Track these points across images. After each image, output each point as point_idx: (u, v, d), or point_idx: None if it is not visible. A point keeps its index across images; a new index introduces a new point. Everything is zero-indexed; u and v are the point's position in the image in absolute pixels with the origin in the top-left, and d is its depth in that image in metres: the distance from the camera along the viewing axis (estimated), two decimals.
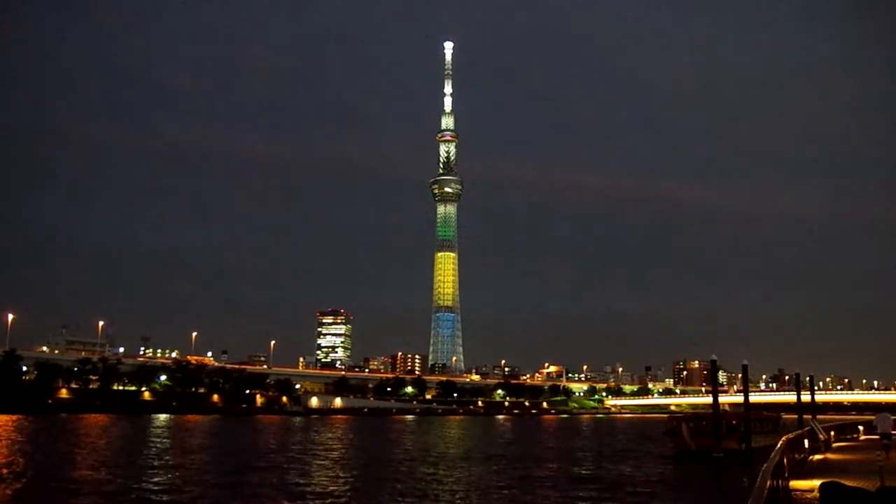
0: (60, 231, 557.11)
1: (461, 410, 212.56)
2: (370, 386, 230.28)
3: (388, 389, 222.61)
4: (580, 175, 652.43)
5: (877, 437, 36.51)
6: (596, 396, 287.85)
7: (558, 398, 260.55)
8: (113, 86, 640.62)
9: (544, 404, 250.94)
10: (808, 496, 20.58)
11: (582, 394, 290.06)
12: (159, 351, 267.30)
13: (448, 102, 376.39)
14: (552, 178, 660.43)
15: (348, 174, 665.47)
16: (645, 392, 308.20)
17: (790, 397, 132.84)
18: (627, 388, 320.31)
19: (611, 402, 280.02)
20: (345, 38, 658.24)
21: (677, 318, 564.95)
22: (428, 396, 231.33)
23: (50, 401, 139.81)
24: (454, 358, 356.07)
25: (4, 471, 43.08)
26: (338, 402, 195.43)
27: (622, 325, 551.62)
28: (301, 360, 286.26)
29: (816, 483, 19.56)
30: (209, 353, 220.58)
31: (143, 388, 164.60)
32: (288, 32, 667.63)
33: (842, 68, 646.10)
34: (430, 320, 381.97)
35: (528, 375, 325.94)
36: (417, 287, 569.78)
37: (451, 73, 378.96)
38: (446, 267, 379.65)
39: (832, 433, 45.48)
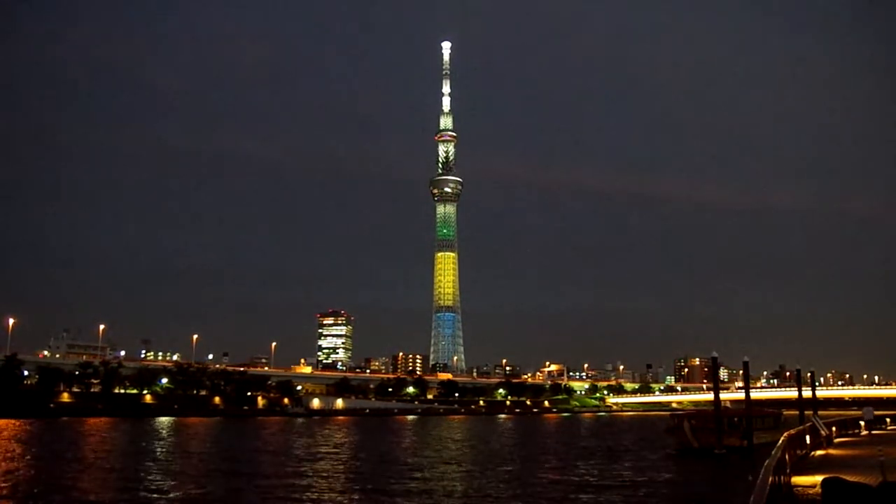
0: (60, 235, 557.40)
1: (463, 410, 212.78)
2: (371, 386, 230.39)
3: (390, 390, 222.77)
4: (579, 174, 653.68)
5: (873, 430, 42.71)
6: (597, 395, 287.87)
7: (560, 397, 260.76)
8: (113, 90, 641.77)
9: (546, 403, 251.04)
10: (811, 492, 20.62)
11: (583, 392, 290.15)
12: (160, 354, 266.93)
13: (447, 102, 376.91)
14: (551, 177, 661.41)
15: (347, 174, 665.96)
16: (646, 390, 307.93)
17: (791, 393, 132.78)
18: (629, 385, 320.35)
19: (612, 400, 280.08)
20: (343, 38, 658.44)
21: (678, 315, 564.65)
22: (429, 396, 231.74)
23: (52, 405, 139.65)
24: (455, 358, 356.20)
25: (7, 476, 43.11)
26: (339, 403, 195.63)
27: (623, 323, 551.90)
28: (302, 361, 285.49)
29: (818, 479, 19.66)
30: (210, 356, 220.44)
31: (145, 392, 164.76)
32: (286, 33, 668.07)
33: (842, 67, 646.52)
34: (431, 320, 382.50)
35: (529, 374, 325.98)
36: (418, 287, 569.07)
37: (449, 72, 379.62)
38: (446, 267, 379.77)
39: (833, 429, 45.68)
